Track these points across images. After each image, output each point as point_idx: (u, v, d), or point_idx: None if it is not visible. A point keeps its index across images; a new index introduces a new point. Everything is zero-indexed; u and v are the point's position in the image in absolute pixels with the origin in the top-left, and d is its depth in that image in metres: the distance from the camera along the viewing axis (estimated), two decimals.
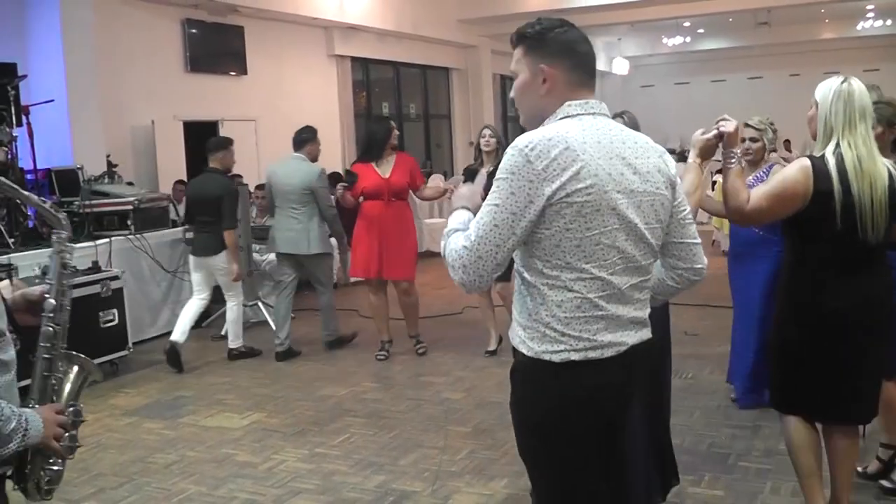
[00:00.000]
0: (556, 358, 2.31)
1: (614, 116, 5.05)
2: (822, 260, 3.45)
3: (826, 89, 3.43)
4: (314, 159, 7.43)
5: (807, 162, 3.39)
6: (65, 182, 8.43)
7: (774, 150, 5.40)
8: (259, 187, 10.13)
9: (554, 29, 2.44)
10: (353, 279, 8.01)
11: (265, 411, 5.85)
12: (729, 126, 3.41)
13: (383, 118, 7.51)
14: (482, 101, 18.88)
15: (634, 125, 4.36)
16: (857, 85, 3.40)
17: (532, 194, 2.24)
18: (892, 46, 24.45)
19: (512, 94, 2.56)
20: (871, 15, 22.40)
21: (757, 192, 3.49)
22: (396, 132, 7.33)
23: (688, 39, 24.50)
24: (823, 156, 3.38)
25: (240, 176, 11.50)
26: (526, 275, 2.36)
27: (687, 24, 22.64)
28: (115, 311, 6.95)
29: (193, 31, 11.92)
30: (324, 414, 5.79)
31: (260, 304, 8.46)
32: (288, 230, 7.26)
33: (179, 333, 6.99)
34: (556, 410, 2.36)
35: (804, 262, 3.53)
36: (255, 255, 8.69)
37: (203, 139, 12.13)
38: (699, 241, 2.57)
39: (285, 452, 5.10)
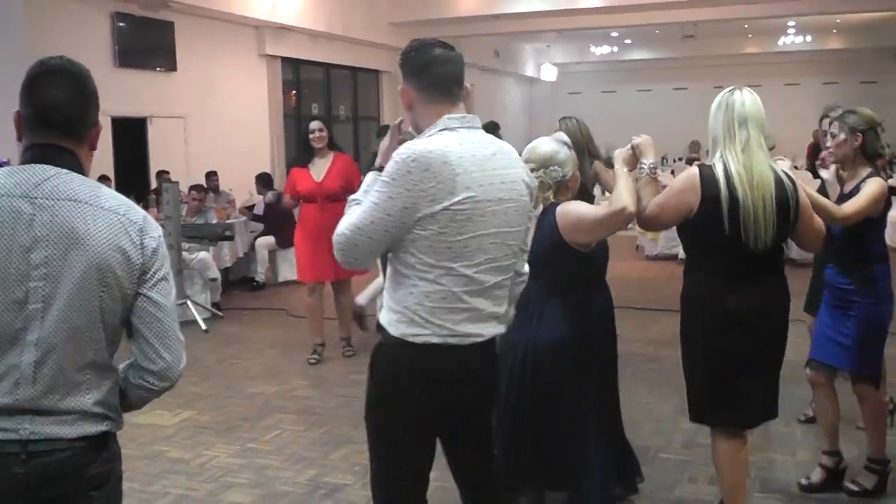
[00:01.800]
0: (418, 340, 2.58)
1: (562, 119, 5.42)
2: (717, 267, 3.54)
3: (714, 102, 3.56)
4: None
5: (695, 170, 3.52)
6: None
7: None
8: (194, 188, 10.12)
9: (410, 52, 2.69)
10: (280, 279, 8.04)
11: (196, 409, 5.90)
12: (637, 139, 3.68)
13: (313, 118, 7.46)
14: None
15: (576, 130, 4.93)
16: (742, 95, 3.50)
17: (408, 203, 2.50)
18: (811, 62, 25.35)
19: None
20: (792, 31, 23.20)
21: (653, 200, 3.60)
22: (316, 134, 7.04)
23: (615, 49, 25.00)
24: (713, 165, 3.48)
25: (167, 172, 11.51)
26: (399, 266, 2.61)
27: (615, 34, 23.11)
28: None
29: (123, 24, 11.75)
30: (254, 411, 5.87)
31: (189, 302, 8.45)
32: None
33: None
34: (414, 387, 2.62)
35: (700, 269, 3.65)
36: (184, 253, 8.68)
37: (131, 136, 12.14)
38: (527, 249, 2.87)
39: (217, 448, 5.17)
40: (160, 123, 12.48)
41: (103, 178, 10.57)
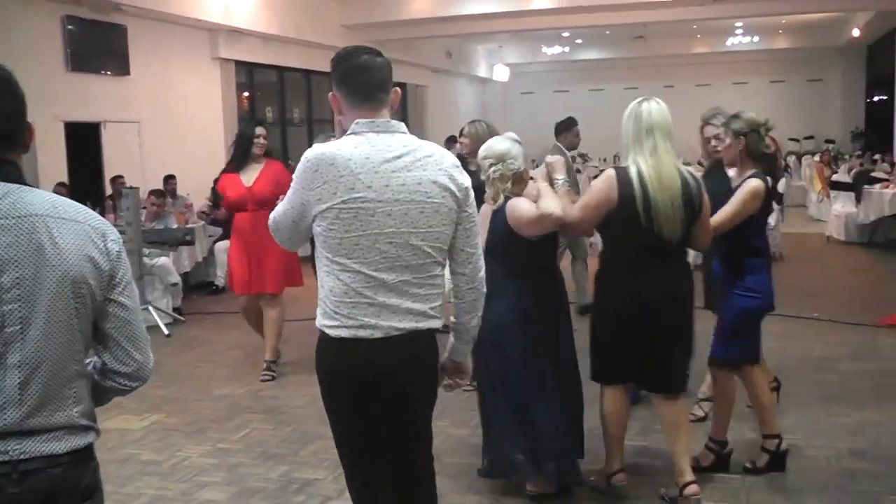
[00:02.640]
0: (332, 333, 2.72)
1: (471, 122, 5.92)
2: (630, 255, 4.04)
3: (625, 112, 4.01)
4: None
5: (612, 172, 4.01)
6: None
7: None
8: (153, 192, 10.08)
9: (338, 60, 2.82)
10: None
11: (164, 412, 5.94)
12: (550, 159, 4.27)
13: (249, 121, 7.10)
14: None
15: (485, 133, 5.72)
16: (650, 105, 3.95)
17: (304, 199, 2.72)
18: (758, 61, 25.90)
19: None
20: (739, 32, 23.70)
21: (576, 205, 4.11)
22: (261, 140, 6.75)
23: (567, 49, 25.33)
24: (627, 167, 3.96)
25: (121, 178, 11.47)
26: (318, 260, 2.78)
27: (566, 34, 23.38)
28: None
29: (74, 28, 11.63)
30: (222, 412, 5.94)
31: (151, 308, 8.46)
32: None
33: None
34: (329, 377, 2.79)
35: (617, 257, 4.14)
36: (144, 259, 8.69)
37: (85, 141, 12.07)
38: (478, 250, 2.91)
39: (188, 449, 5.24)
40: (114, 128, 12.41)
41: (60, 186, 10.53)
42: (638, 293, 4.00)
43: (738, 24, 22.49)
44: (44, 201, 2.00)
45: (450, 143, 19.92)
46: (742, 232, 4.44)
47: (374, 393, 2.76)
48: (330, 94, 2.85)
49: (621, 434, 4.34)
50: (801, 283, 10.05)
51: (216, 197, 7.11)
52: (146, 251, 8.76)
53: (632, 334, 4.08)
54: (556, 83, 27.86)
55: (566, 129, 8.42)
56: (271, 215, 2.90)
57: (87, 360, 2.12)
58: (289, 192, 2.79)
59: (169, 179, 12.07)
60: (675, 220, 3.93)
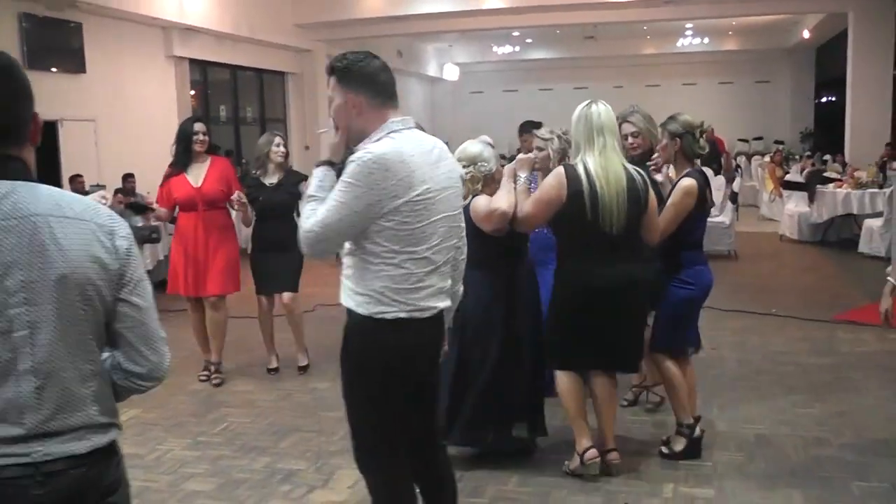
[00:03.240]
0: (388, 316, 2.95)
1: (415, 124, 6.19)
2: (581, 249, 4.33)
3: (574, 114, 4.31)
4: None
5: (561, 170, 4.33)
6: None
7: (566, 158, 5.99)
8: (119, 191, 10.02)
9: (358, 63, 2.98)
10: None
11: (140, 407, 5.95)
12: (519, 156, 4.65)
13: (191, 119, 6.82)
14: (317, 105, 19.02)
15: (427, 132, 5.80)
16: (598, 107, 4.25)
17: (372, 200, 2.84)
18: (708, 62, 26.33)
19: (331, 115, 3.09)
20: (689, 33, 24.09)
21: (526, 201, 4.37)
22: (201, 136, 6.48)
23: (517, 49, 25.52)
24: (575, 164, 4.26)
25: (80, 176, 11.40)
26: (364, 255, 2.95)
27: (516, 33, 23.56)
28: None
29: (30, 26, 11.52)
30: (199, 406, 6.00)
31: None
32: None
33: None
34: (389, 357, 3.02)
35: (570, 251, 4.42)
36: None
37: (43, 139, 11.90)
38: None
39: (169, 443, 5.30)
40: (71, 126, 12.29)
41: None
42: (590, 283, 4.30)
43: (689, 25, 22.88)
44: (47, 199, 1.92)
45: None
46: (679, 228, 4.69)
47: (414, 366, 3.09)
48: (349, 94, 2.94)
49: (581, 412, 4.57)
50: (756, 280, 10.34)
51: (137, 209, 7.09)
52: None
53: (585, 322, 4.36)
54: (506, 83, 28.04)
55: (535, 128, 8.51)
56: (312, 226, 2.90)
57: (104, 357, 2.07)
58: (339, 200, 2.84)
59: (128, 178, 12.01)
60: (620, 213, 4.21)
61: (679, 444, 4.81)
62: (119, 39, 13.31)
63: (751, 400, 5.77)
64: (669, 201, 4.68)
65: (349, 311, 3.06)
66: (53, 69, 11.97)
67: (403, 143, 2.92)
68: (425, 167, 2.95)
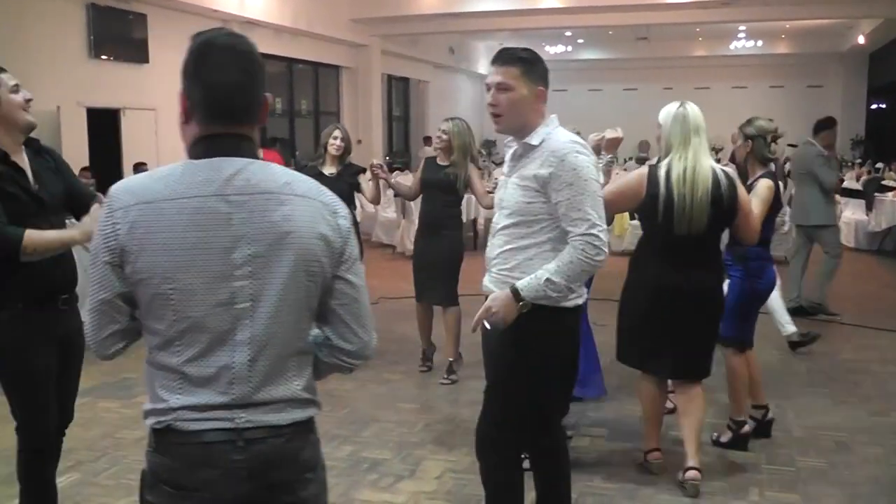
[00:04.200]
0: (570, 304, 3.20)
1: (451, 119, 6.45)
2: (658, 247, 4.30)
3: (666, 114, 4.27)
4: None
5: (645, 170, 4.31)
6: None
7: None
8: None
9: (541, 60, 3.23)
10: None
11: None
12: (610, 133, 4.47)
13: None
14: (370, 100, 19.20)
15: (465, 132, 6.38)
16: (691, 108, 4.24)
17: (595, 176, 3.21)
18: (759, 66, 26.07)
19: (499, 100, 3.21)
20: (742, 35, 23.83)
21: (605, 189, 4.34)
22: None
23: (569, 48, 25.42)
24: (659, 166, 4.22)
25: (144, 164, 11.55)
26: (555, 242, 3.16)
27: (568, 33, 23.50)
28: None
29: (97, 16, 11.81)
30: None
31: None
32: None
33: None
34: (568, 340, 3.31)
35: (646, 249, 4.41)
36: None
37: (104, 127, 12.14)
38: None
39: None
40: (132, 115, 12.49)
41: (85, 170, 10.59)
42: (662, 284, 4.26)
43: (742, 28, 22.72)
44: (278, 177, 1.97)
45: (427, 142, 20.24)
46: None
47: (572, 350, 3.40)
48: (539, 87, 3.17)
49: (652, 416, 4.59)
50: (815, 288, 10.22)
51: None
52: None
53: (655, 324, 4.33)
54: (555, 82, 27.23)
55: (825, 127, 8.45)
56: (601, 230, 3.10)
57: (312, 333, 2.09)
58: (592, 196, 3.08)
59: None
60: (699, 217, 4.12)
61: (725, 437, 4.98)
62: (181, 31, 13.21)
63: (826, 407, 5.73)
64: (756, 202, 4.66)
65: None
66: (118, 59, 12.18)
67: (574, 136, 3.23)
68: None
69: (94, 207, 3.36)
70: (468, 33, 22.61)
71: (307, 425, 2.04)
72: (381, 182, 6.58)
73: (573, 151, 3.08)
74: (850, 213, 13.85)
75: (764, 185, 4.81)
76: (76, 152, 11.06)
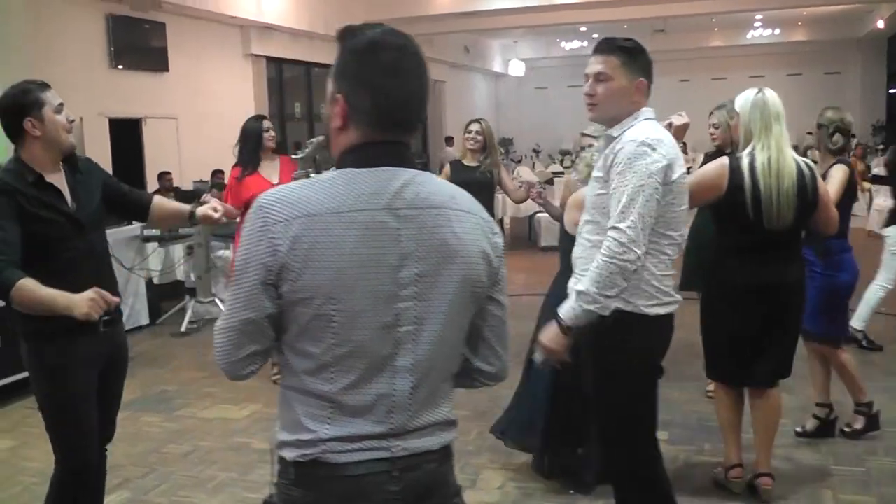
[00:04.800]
0: (650, 311, 3.03)
1: (478, 120, 6.51)
2: (739, 244, 4.04)
3: (744, 101, 4.04)
4: None
5: (726, 161, 4.03)
6: None
7: None
8: (214, 186, 10.08)
9: (644, 51, 3.11)
10: None
11: (261, 402, 5.93)
12: (676, 119, 3.89)
13: (257, 117, 6.73)
14: None
15: (490, 132, 6.44)
16: (770, 94, 4.00)
17: (661, 179, 2.94)
18: (776, 54, 25.86)
19: (595, 90, 3.09)
20: (758, 24, 23.65)
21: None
22: (272, 132, 6.44)
23: (584, 44, 25.26)
24: (740, 157, 3.97)
25: (169, 173, 11.49)
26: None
27: (583, 28, 23.38)
28: None
29: (117, 26, 11.79)
30: None
31: (217, 300, 8.47)
32: None
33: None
34: (644, 353, 3.14)
35: (726, 246, 4.13)
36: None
37: (127, 137, 12.08)
38: None
39: None
40: (154, 124, 12.45)
41: None
42: (753, 286, 3.99)
43: (759, 16, 22.54)
44: (443, 191, 1.84)
45: (449, 142, 20.12)
46: None
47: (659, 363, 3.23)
48: (640, 78, 3.04)
49: (731, 425, 4.33)
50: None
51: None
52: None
53: (737, 325, 4.07)
54: (571, 78, 27.74)
55: None
56: (630, 226, 2.86)
57: None
58: (633, 190, 2.89)
59: (216, 174, 12.07)
60: (786, 209, 3.89)
61: (859, 423, 4.96)
62: (199, 39, 13.44)
63: (886, 403, 5.53)
64: (832, 188, 4.52)
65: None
66: (138, 68, 12.13)
67: (663, 130, 3.09)
68: (676, 153, 3.04)
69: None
70: (483, 32, 22.49)
71: (450, 448, 1.93)
72: None
73: (636, 144, 2.93)
74: (882, 201, 13.61)
75: (839, 170, 4.73)
76: (99, 162, 10.92)
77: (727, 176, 3.92)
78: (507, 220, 12.84)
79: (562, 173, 16.09)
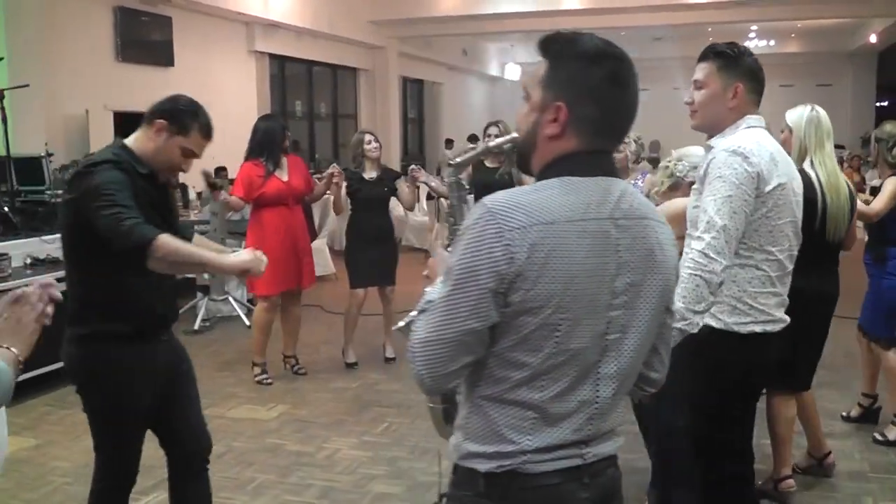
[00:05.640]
0: (741, 329, 2.90)
1: (496, 123, 6.55)
2: (804, 254, 4.03)
3: (797, 116, 4.21)
4: None
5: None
6: (26, 169, 8.12)
7: (639, 161, 5.99)
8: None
9: (747, 55, 3.00)
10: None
11: (287, 403, 5.88)
12: None
13: (274, 116, 6.74)
14: (388, 102, 19.05)
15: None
16: (822, 111, 4.20)
17: (751, 190, 2.81)
18: (770, 65, 25.35)
19: (695, 99, 3.02)
20: (753, 35, 23.76)
21: None
22: (288, 133, 6.68)
23: None
24: (808, 171, 4.06)
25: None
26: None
27: None
28: None
29: (124, 19, 11.65)
30: (349, 405, 5.90)
31: (231, 298, 8.40)
32: None
33: None
34: (727, 371, 2.98)
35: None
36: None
37: (131, 131, 11.91)
38: None
39: (333, 441, 5.19)
40: None
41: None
42: (814, 291, 4.02)
43: (754, 27, 22.64)
44: (645, 202, 1.86)
45: (448, 144, 20.11)
46: (884, 222, 4.86)
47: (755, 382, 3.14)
48: (737, 83, 2.93)
49: (791, 438, 4.38)
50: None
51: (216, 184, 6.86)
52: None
53: (810, 331, 4.16)
54: None
55: None
56: (714, 237, 2.75)
57: None
58: (719, 200, 2.77)
59: (220, 171, 11.96)
60: (842, 222, 4.15)
61: (893, 433, 5.05)
62: (205, 34, 13.35)
63: None
64: (885, 196, 4.80)
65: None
66: (144, 62, 12.01)
67: (764, 140, 2.94)
68: (781, 164, 2.92)
69: None
70: (484, 35, 22.47)
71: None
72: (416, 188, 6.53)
73: (728, 153, 2.83)
74: None
75: (892, 182, 4.86)
76: None
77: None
78: None
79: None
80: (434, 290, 1.84)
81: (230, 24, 14.01)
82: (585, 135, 1.77)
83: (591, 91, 1.75)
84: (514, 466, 1.74)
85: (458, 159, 2.48)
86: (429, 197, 12.65)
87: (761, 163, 2.82)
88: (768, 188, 2.84)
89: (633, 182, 5.79)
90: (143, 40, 12.06)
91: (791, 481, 4.30)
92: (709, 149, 2.98)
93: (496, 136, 6.36)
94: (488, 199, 1.71)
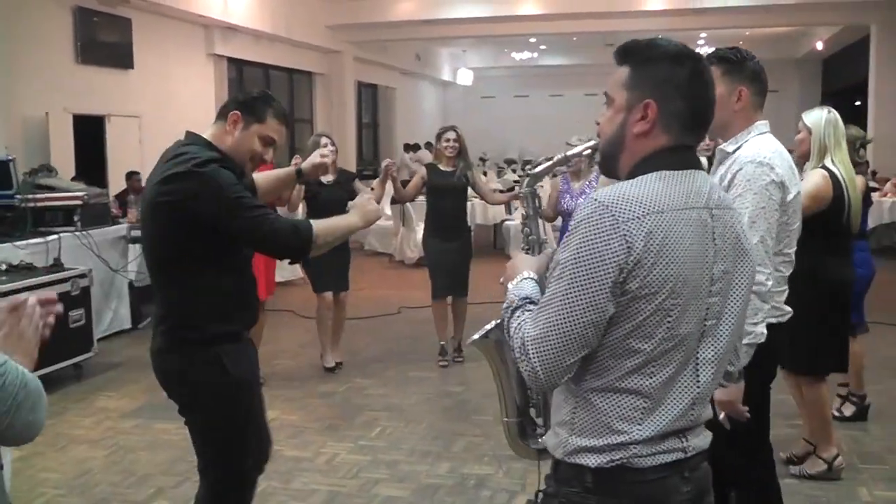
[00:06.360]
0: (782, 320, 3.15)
1: (452, 128, 6.95)
2: (829, 246, 4.38)
3: (816, 118, 4.43)
4: None
5: (826, 172, 4.34)
6: None
7: (592, 164, 6.01)
8: None
9: (749, 59, 3.02)
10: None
11: (277, 409, 5.80)
12: None
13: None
14: (344, 107, 18.95)
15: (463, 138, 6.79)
16: (837, 114, 4.44)
17: (778, 199, 2.91)
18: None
19: None
20: (702, 42, 24.09)
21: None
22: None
23: (534, 55, 25.46)
24: (831, 169, 4.34)
25: (137, 173, 11.20)
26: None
27: (533, 39, 23.53)
28: (82, 310, 6.67)
29: (83, 20, 11.39)
30: (338, 409, 5.86)
31: None
32: None
33: None
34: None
35: (815, 248, 4.17)
36: None
37: (90, 134, 11.73)
38: None
39: (330, 446, 5.15)
40: (117, 122, 12.09)
41: (78, 178, 10.21)
42: (847, 280, 4.54)
43: (703, 34, 22.97)
44: (725, 195, 1.99)
45: (408, 149, 20.10)
46: None
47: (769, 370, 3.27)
48: (740, 87, 2.95)
49: (830, 417, 4.76)
50: None
51: None
52: None
53: (842, 316, 4.57)
54: (518, 88, 28.02)
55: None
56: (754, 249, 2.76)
57: None
58: (754, 213, 2.83)
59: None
60: (858, 215, 4.55)
61: (848, 410, 5.44)
62: (164, 37, 13.17)
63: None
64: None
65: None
66: (103, 64, 11.80)
67: (779, 147, 3.00)
68: (791, 173, 3.00)
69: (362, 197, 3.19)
70: (438, 40, 22.48)
71: None
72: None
73: (755, 165, 2.87)
74: None
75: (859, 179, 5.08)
76: (63, 160, 10.62)
77: (831, 185, 4.30)
78: (474, 229, 12.83)
79: (519, 182, 16.16)
80: (520, 290, 1.88)
81: (189, 27, 13.82)
82: (674, 130, 1.84)
83: (677, 88, 1.83)
84: (623, 461, 1.77)
85: (536, 169, 2.46)
86: (392, 202, 12.59)
87: (784, 172, 2.92)
88: (790, 197, 2.95)
89: (586, 183, 5.92)
90: (103, 42, 11.82)
91: (841, 458, 4.61)
92: (722, 153, 3.04)
93: (454, 141, 6.78)
94: (598, 195, 1.76)
